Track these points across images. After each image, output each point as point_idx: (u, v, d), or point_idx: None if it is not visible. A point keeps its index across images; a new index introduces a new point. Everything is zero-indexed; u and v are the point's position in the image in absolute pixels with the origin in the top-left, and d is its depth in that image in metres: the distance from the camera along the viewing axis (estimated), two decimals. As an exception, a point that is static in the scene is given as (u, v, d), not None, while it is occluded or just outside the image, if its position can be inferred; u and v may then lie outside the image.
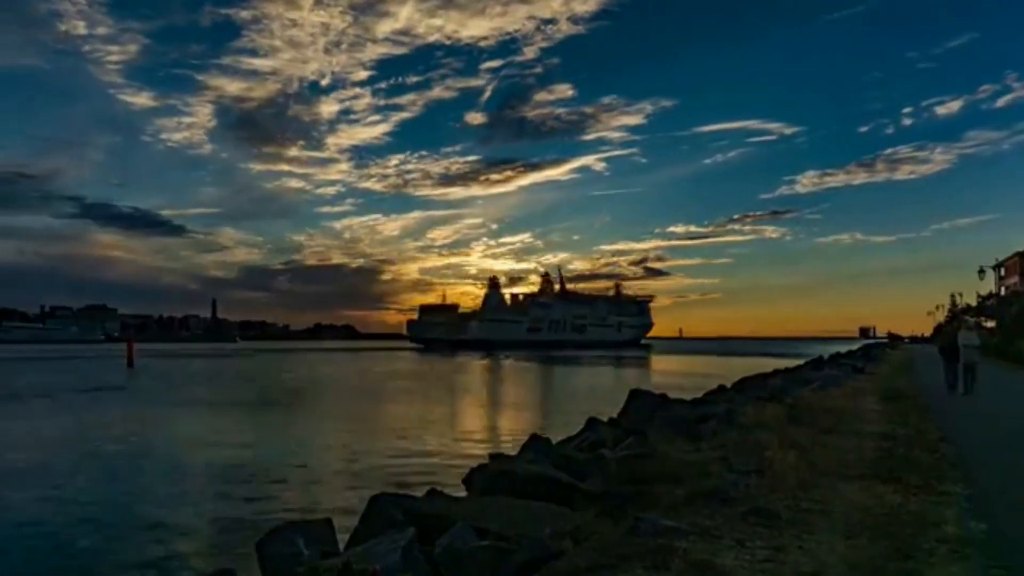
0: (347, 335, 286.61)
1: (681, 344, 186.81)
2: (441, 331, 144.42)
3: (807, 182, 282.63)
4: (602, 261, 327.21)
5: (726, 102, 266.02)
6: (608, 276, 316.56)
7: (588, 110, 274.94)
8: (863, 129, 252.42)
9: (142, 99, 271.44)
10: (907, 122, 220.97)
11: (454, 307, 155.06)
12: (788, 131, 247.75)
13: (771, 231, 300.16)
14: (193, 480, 15.90)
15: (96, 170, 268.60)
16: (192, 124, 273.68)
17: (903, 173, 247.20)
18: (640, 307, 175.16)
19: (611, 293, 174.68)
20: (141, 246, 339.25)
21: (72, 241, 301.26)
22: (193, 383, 49.32)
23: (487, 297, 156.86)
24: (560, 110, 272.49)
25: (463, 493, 9.30)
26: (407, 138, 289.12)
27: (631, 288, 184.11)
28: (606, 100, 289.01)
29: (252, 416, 28.83)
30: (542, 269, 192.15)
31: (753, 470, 8.07)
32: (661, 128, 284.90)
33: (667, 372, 59.94)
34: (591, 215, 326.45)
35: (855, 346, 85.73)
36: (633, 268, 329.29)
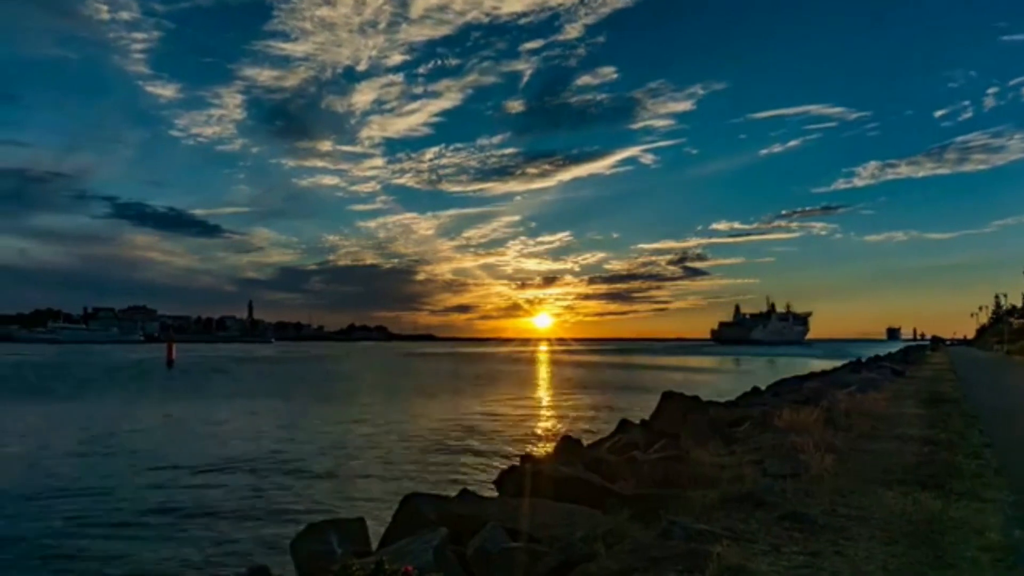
0: (380, 336, 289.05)
1: (716, 347, 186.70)
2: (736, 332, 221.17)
3: (866, 174, 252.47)
4: (640, 260, 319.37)
5: (784, 85, 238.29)
6: (645, 276, 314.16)
7: (633, 95, 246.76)
8: (939, 113, 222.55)
9: (169, 91, 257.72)
10: (990, 104, 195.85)
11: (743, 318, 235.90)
12: (852, 116, 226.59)
13: (820, 228, 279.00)
14: (242, 476, 16.20)
15: (126, 168, 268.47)
16: (222, 117, 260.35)
17: (973, 164, 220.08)
18: (804, 319, 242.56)
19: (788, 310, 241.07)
20: (177, 247, 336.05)
21: (108, 242, 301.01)
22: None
23: (738, 312, 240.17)
24: (603, 96, 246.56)
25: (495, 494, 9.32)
26: (443, 129, 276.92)
27: (673, 287, 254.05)
28: (653, 84, 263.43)
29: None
30: (576, 268, 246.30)
31: (788, 474, 7.95)
32: (711, 115, 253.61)
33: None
34: (632, 211, 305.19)
35: (892, 348, 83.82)
36: (672, 268, 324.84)
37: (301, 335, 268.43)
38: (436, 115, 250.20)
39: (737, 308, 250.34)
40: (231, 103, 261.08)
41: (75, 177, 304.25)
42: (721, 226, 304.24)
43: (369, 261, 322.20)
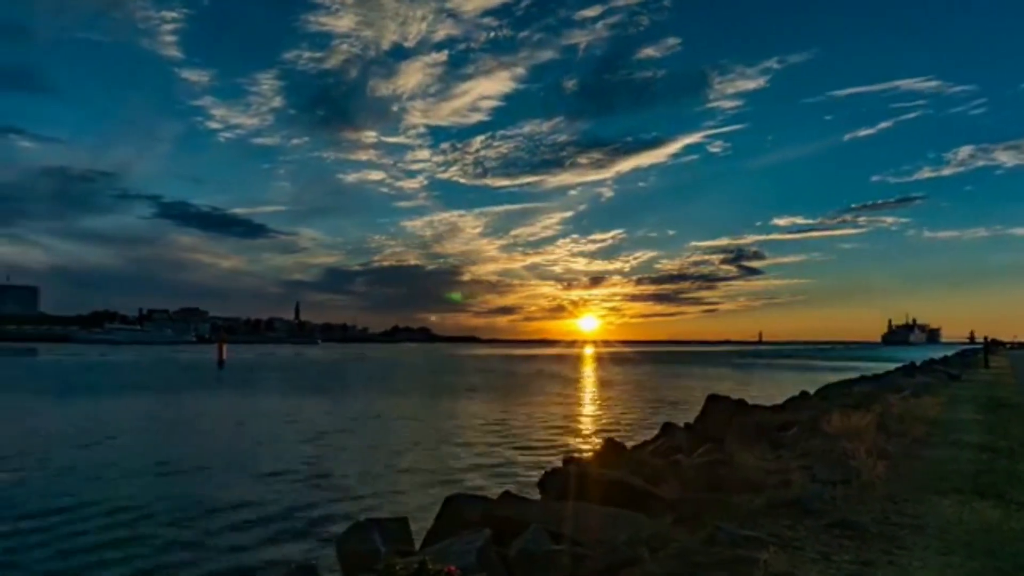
0: (423, 338, 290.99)
1: (761, 349, 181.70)
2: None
3: (957, 161, 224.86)
4: (692, 259, 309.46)
5: (872, 56, 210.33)
6: (696, 276, 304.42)
7: (698, 71, 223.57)
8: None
9: (204, 78, 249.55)
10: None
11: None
12: (951, 91, 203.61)
13: (891, 222, 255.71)
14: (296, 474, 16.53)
15: (165, 163, 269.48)
16: (260, 106, 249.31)
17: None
18: (934, 332, 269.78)
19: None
20: (223, 247, 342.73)
21: (156, 244, 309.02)
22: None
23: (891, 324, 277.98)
24: (665, 71, 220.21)
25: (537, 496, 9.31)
26: (492, 114, 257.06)
27: (725, 288, 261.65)
28: (721, 58, 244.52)
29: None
30: (625, 268, 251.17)
31: (839, 480, 7.75)
32: (786, 93, 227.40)
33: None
34: (689, 206, 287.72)
35: (942, 354, 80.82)
36: (726, 267, 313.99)
37: (346, 337, 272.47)
38: (485, 97, 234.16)
39: (890, 321, 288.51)
40: (269, 89, 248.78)
41: (115, 175, 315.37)
42: (782, 221, 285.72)
43: (413, 261, 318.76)
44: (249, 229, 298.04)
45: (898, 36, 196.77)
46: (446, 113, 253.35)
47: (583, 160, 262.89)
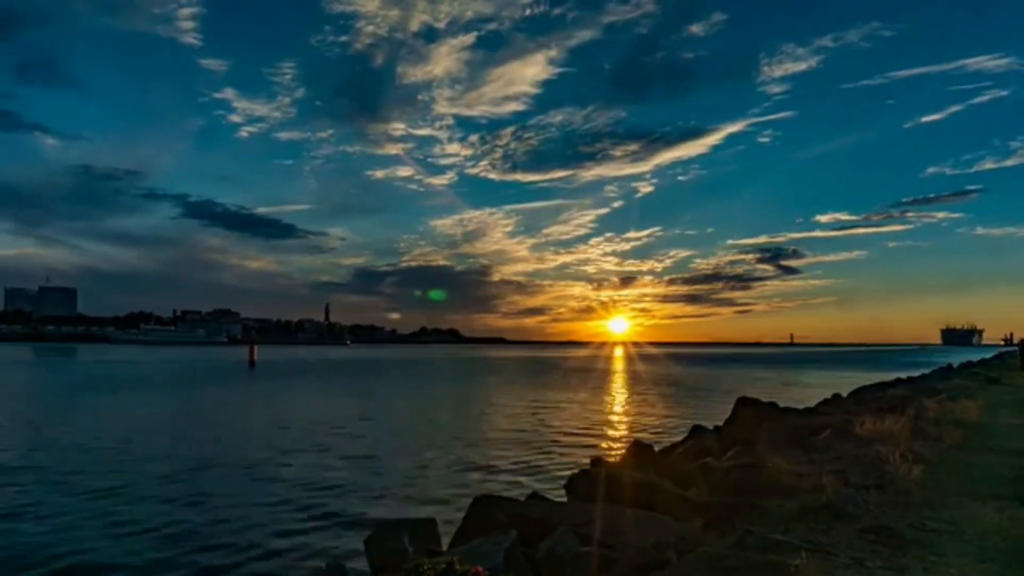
0: (451, 339, 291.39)
1: (791, 353, 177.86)
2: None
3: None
4: (727, 259, 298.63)
5: (940, 32, 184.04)
6: (729, 277, 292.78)
7: (745, 50, 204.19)
8: None
9: (223, 66, 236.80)
10: None
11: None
12: None
13: (941, 217, 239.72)
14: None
15: (187, 160, 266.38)
16: (282, 98, 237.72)
17: None
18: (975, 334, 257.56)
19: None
20: (251, 248, 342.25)
21: (185, 245, 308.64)
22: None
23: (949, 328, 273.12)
24: (706, 52, 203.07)
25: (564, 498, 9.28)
26: (526, 101, 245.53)
27: (760, 288, 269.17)
28: (770, 36, 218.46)
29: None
30: (658, 268, 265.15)
31: (872, 485, 7.60)
32: (841, 75, 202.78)
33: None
34: (729, 201, 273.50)
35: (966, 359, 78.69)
36: (763, 267, 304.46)
37: (375, 338, 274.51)
38: (517, 84, 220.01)
39: (947, 326, 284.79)
40: (291, 79, 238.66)
41: (139, 173, 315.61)
42: (825, 218, 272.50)
43: (442, 262, 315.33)
44: (277, 230, 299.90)
45: (967, 9, 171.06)
46: (476, 102, 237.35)
47: (619, 152, 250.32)
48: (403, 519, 7.70)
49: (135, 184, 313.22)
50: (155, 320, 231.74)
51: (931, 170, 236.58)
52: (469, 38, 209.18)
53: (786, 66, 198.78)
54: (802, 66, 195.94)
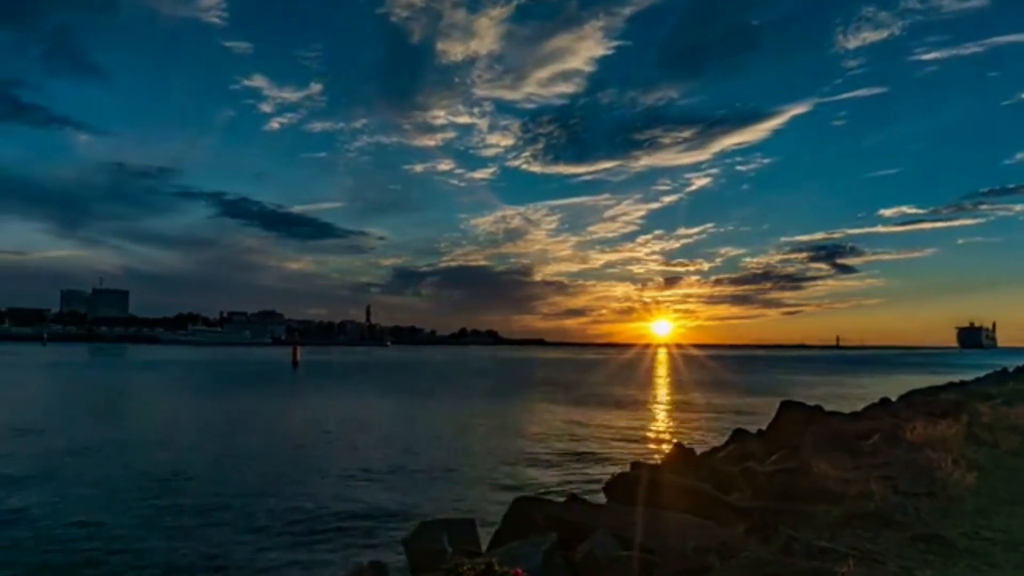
0: (490, 341, 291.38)
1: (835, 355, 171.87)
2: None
3: None
4: (779, 257, 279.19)
5: None
6: (779, 277, 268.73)
7: (816, 18, 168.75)
8: None
9: (251, 49, 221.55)
10: None
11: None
12: None
13: (1019, 210, 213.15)
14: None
15: (219, 155, 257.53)
16: (313, 84, 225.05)
17: None
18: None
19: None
20: (289, 249, 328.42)
21: (221, 245, 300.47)
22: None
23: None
24: (774, 16, 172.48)
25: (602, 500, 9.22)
26: (574, 81, 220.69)
27: (812, 288, 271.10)
28: (846, 2, 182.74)
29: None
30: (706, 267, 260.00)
31: (923, 492, 7.38)
32: (927, 43, 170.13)
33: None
34: (789, 193, 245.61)
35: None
36: (817, 265, 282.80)
37: (415, 339, 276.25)
38: (564, 61, 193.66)
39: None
40: (320, 59, 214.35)
41: (172, 170, 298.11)
42: (889, 212, 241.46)
43: (482, 262, 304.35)
44: (315, 229, 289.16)
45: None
46: (521, 84, 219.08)
47: (673, 139, 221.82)
48: (443, 519, 7.75)
49: (168, 182, 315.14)
50: (202, 321, 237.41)
51: (1020, 156, 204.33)
52: (514, 7, 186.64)
53: (864, 35, 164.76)
54: (883, 34, 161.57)
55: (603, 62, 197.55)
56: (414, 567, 6.64)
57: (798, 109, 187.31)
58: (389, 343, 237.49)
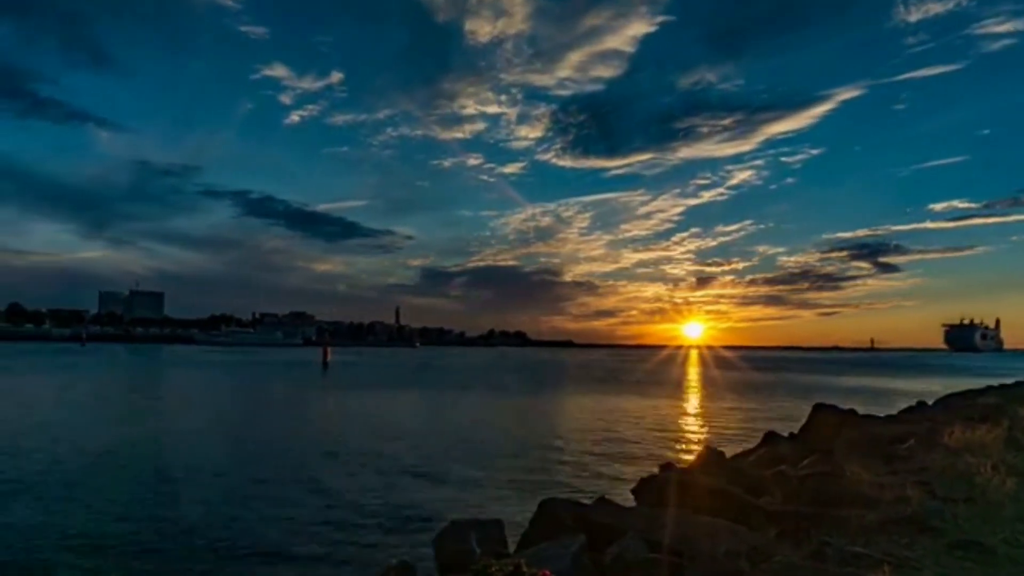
0: (518, 342, 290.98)
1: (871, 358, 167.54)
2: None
3: None
4: (818, 256, 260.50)
5: None
6: (817, 276, 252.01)
7: None
8: None
9: (266, 34, 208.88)
10: None
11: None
12: None
13: None
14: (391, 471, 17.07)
15: (240, 150, 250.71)
16: (333, 72, 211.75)
17: None
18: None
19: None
20: (315, 249, 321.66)
21: (247, 246, 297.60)
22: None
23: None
24: None
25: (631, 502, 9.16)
26: (609, 62, 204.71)
27: (851, 288, 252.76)
28: None
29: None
30: (740, 267, 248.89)
31: (961, 498, 7.20)
32: (999, 12, 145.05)
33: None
34: (833, 187, 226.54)
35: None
36: (858, 264, 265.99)
37: (443, 340, 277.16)
38: (603, 40, 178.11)
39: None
40: (340, 42, 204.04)
41: (196, 168, 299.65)
42: (940, 206, 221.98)
43: (511, 262, 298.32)
44: (341, 228, 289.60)
45: None
46: (550, 67, 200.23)
47: (708, 129, 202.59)
48: (471, 519, 7.75)
49: (191, 180, 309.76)
50: (235, 322, 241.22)
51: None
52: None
53: (927, 6, 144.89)
54: (949, 5, 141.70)
55: (644, 42, 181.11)
56: (442, 567, 6.66)
57: (850, 92, 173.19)
58: (418, 344, 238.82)
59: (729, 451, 14.57)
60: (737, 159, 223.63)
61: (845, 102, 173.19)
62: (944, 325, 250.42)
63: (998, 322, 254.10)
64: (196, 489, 14.93)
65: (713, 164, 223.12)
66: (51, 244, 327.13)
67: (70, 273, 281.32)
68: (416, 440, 22.91)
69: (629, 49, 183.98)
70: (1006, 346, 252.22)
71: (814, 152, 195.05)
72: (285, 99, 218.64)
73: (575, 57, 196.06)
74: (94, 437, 21.89)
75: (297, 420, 28.91)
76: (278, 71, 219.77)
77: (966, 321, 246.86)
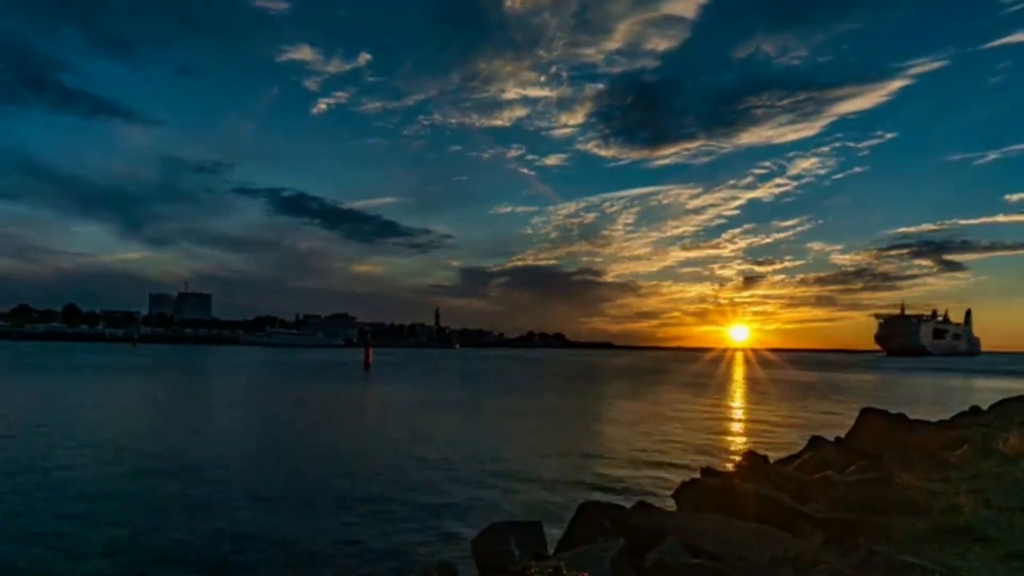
0: (557, 344, 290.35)
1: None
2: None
3: None
4: (873, 253, 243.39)
5: None
6: (873, 275, 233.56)
7: None
8: None
9: (286, 7, 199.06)
10: None
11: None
12: None
13: None
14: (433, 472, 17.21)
15: (267, 144, 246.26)
16: (361, 58, 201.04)
17: None
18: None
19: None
20: (350, 249, 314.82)
21: (282, 246, 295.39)
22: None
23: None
24: None
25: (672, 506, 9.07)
26: (659, 36, 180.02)
27: (909, 287, 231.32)
28: None
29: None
30: (791, 266, 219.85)
31: (1018, 508, 6.96)
32: None
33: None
34: (900, 176, 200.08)
35: None
36: (920, 262, 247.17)
37: (483, 342, 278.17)
38: (659, 6, 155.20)
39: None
40: (366, 23, 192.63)
41: (226, 164, 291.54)
42: (1016, 197, 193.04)
43: (551, 262, 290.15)
44: (377, 227, 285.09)
45: None
46: (598, 40, 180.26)
47: (764, 111, 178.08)
48: (510, 522, 7.76)
49: (222, 177, 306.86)
50: (279, 324, 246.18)
51: None
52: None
53: None
54: None
55: (707, 8, 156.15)
56: (482, 569, 6.69)
57: (931, 64, 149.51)
58: (457, 345, 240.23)
59: (772, 456, 14.32)
60: (799, 145, 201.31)
61: (924, 75, 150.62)
62: (875, 315, 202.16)
63: (968, 314, 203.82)
64: (244, 485, 15.26)
65: (772, 151, 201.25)
66: (91, 245, 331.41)
67: (115, 273, 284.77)
68: (459, 438, 23.06)
69: (691, 16, 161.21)
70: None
71: (888, 136, 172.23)
72: (311, 85, 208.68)
73: (626, 27, 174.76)
74: (157, 441, 22.55)
75: (342, 417, 29.41)
76: (303, 53, 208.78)
77: (917, 314, 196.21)
